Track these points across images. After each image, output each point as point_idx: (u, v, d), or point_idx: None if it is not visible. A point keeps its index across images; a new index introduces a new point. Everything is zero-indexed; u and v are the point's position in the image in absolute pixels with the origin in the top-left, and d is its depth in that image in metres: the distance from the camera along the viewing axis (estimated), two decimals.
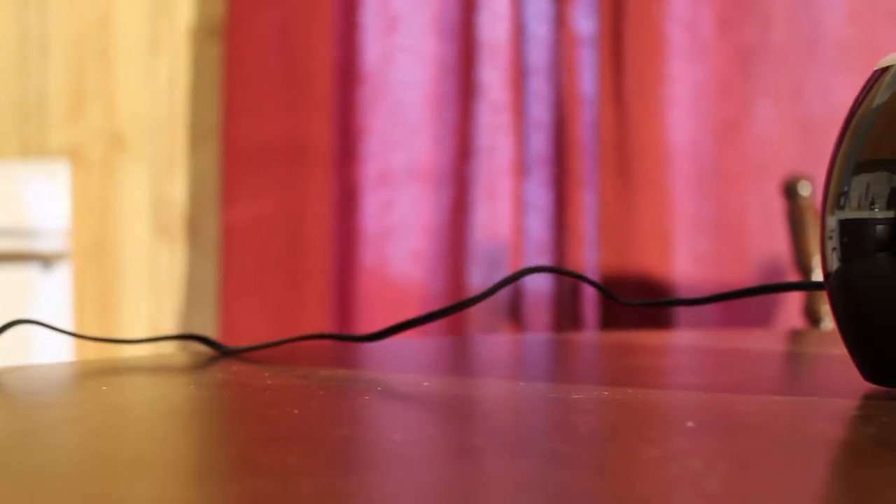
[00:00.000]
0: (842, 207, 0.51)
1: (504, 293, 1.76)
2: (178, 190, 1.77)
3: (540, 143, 1.77)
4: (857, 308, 0.51)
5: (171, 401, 0.51)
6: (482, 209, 1.75)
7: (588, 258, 1.74)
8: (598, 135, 1.74)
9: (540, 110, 1.76)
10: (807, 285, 0.59)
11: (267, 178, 1.75)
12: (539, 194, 1.77)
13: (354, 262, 1.75)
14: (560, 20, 1.76)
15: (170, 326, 1.78)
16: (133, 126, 1.76)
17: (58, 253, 1.67)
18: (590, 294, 1.73)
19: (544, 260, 1.77)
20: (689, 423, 0.44)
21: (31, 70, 1.76)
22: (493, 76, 1.75)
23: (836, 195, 0.52)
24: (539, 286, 1.75)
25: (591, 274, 1.74)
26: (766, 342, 0.78)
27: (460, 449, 0.39)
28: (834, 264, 0.52)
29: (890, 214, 0.50)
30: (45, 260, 1.67)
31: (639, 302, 0.62)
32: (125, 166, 1.76)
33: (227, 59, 1.74)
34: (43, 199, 1.67)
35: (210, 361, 0.65)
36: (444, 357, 0.74)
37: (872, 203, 0.50)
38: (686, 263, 1.72)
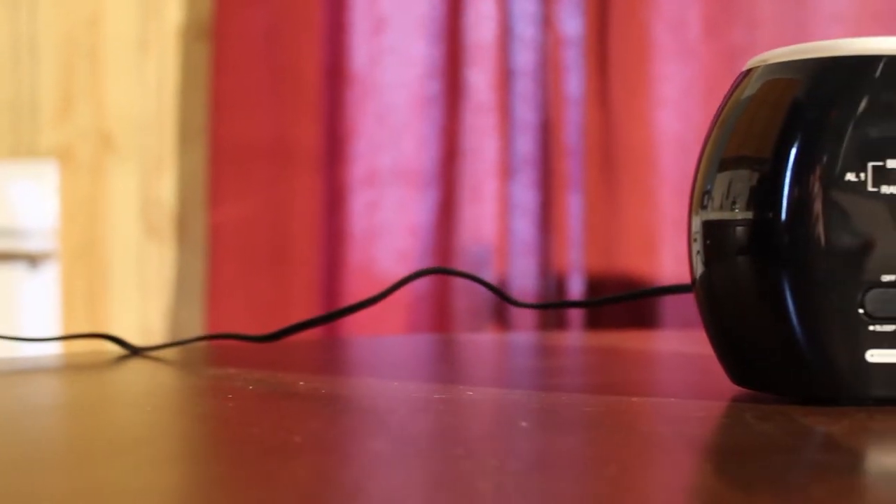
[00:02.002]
0: (704, 207, 0.52)
1: (488, 293, 1.76)
2: (166, 190, 1.79)
3: (526, 144, 1.77)
4: (721, 312, 0.52)
5: (43, 399, 0.52)
6: (468, 210, 1.75)
7: (574, 259, 1.75)
8: (584, 136, 1.75)
9: (526, 111, 1.77)
10: (676, 289, 0.59)
11: (254, 178, 1.76)
12: (525, 195, 1.77)
13: (341, 261, 1.76)
14: (546, 21, 1.76)
15: (158, 325, 1.79)
16: (122, 126, 1.78)
17: (45, 252, 1.69)
18: (575, 293, 1.73)
19: (531, 261, 1.77)
20: (523, 424, 0.45)
21: (20, 70, 1.78)
22: (479, 77, 1.76)
23: (699, 195, 0.52)
24: (525, 285, 1.75)
25: (578, 274, 1.75)
26: (663, 343, 0.78)
27: (275, 445, 0.39)
28: (698, 268, 0.52)
29: (749, 215, 0.50)
30: (31, 259, 1.69)
31: (532, 304, 0.63)
32: (114, 166, 1.78)
33: (214, 60, 1.75)
34: (31, 199, 1.69)
35: (117, 360, 0.66)
36: (341, 358, 0.75)
37: (734, 203, 0.50)
38: (672, 264, 1.72)
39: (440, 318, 1.77)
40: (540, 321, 1.77)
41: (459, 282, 1.75)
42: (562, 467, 0.36)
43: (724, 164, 0.51)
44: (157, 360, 0.66)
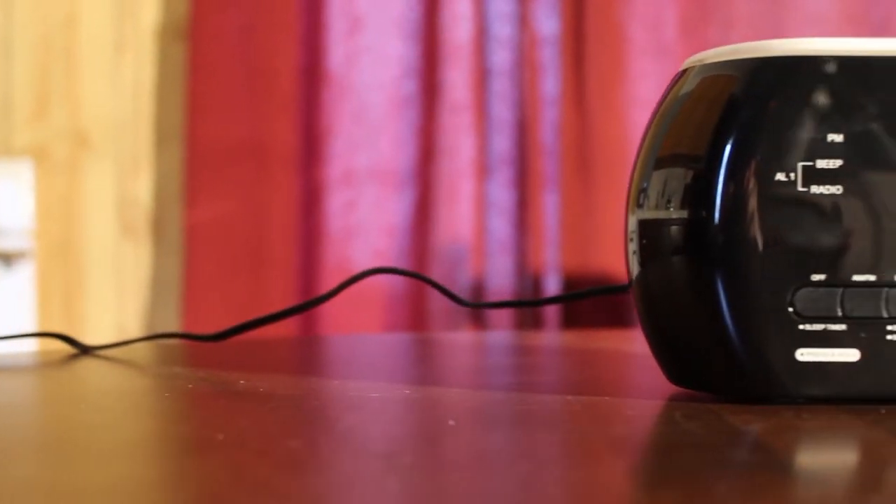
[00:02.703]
0: (641, 206, 0.52)
1: (466, 293, 1.76)
2: (142, 189, 1.79)
3: (502, 143, 1.77)
4: (656, 312, 0.52)
5: None
6: (445, 209, 1.75)
7: (550, 257, 1.75)
8: (560, 135, 1.75)
9: (502, 111, 1.77)
10: (614, 289, 0.59)
11: (231, 177, 1.76)
12: (501, 194, 1.77)
13: (318, 261, 1.76)
14: (522, 21, 1.76)
15: (134, 325, 1.79)
16: (97, 126, 1.77)
17: (20, 251, 1.69)
18: (552, 292, 1.73)
19: (507, 259, 1.77)
20: (451, 422, 0.45)
21: None
22: (455, 77, 1.76)
23: (636, 194, 0.52)
24: (501, 284, 1.75)
25: (554, 273, 1.75)
26: (620, 342, 0.79)
27: (196, 442, 0.40)
28: (634, 268, 0.52)
29: (683, 214, 0.50)
30: (7, 258, 1.68)
31: (477, 303, 0.63)
32: (90, 166, 1.78)
33: (190, 61, 1.75)
34: (6, 198, 1.69)
35: (66, 359, 0.66)
36: (291, 357, 0.75)
37: (669, 202, 0.50)
38: None
39: (416, 318, 1.77)
40: (517, 320, 1.77)
41: (436, 279, 1.75)
42: (474, 465, 0.36)
43: (660, 163, 0.51)
44: (106, 359, 0.66)
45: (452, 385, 0.55)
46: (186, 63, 1.76)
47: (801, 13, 1.76)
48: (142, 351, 0.70)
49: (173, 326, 1.78)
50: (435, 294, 1.75)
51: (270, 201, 1.76)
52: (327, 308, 1.75)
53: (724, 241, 0.49)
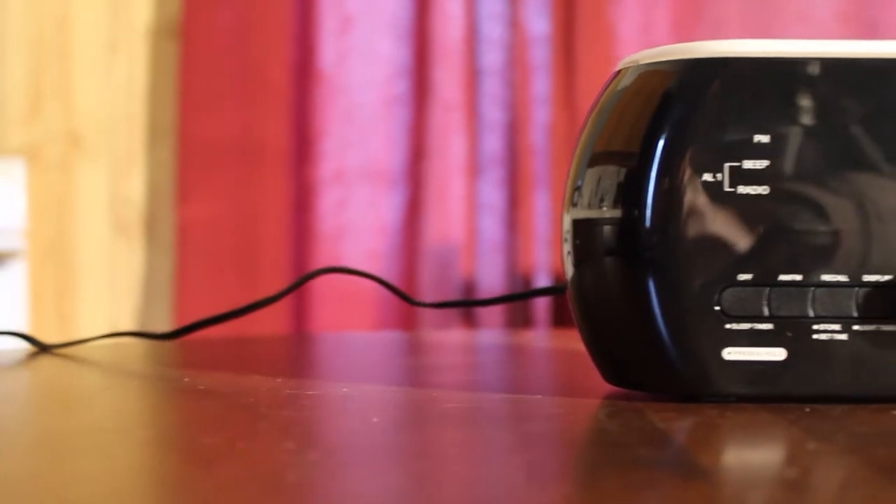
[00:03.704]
0: (575, 205, 0.52)
1: (456, 291, 1.77)
2: (135, 188, 1.80)
3: (493, 143, 1.78)
4: (591, 313, 0.52)
5: None
6: (435, 209, 1.76)
7: (540, 257, 1.76)
8: (551, 135, 1.75)
9: (493, 111, 1.78)
10: (552, 290, 0.60)
11: (223, 176, 1.77)
12: (492, 194, 1.78)
13: (309, 260, 1.77)
14: (513, 21, 1.77)
15: (127, 324, 1.80)
16: (91, 125, 1.78)
17: (13, 251, 1.70)
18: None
19: (498, 259, 1.78)
20: (375, 420, 0.45)
21: None
22: (446, 77, 1.76)
23: (570, 192, 0.53)
24: (491, 284, 1.76)
25: (544, 273, 1.76)
26: (569, 341, 0.79)
27: (120, 436, 0.40)
28: (569, 269, 0.53)
29: (617, 213, 0.50)
30: (0, 258, 1.69)
31: (429, 303, 0.64)
32: (83, 165, 1.79)
33: (183, 59, 1.76)
34: (0, 198, 1.70)
35: (24, 358, 0.67)
36: (248, 355, 0.76)
37: (602, 200, 0.51)
38: None
39: (406, 316, 1.78)
40: (507, 318, 1.77)
41: (426, 280, 1.76)
42: (373, 462, 0.37)
43: (593, 162, 0.52)
44: (63, 357, 0.67)
45: (391, 384, 0.56)
46: (179, 62, 1.77)
47: (791, 13, 1.76)
48: (101, 350, 0.71)
49: (166, 325, 1.79)
50: (424, 292, 1.76)
51: (262, 200, 1.76)
52: (317, 308, 1.76)
53: (653, 240, 0.49)
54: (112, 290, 1.79)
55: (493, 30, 1.78)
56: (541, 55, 1.77)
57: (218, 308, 1.80)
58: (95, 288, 1.79)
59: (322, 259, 1.76)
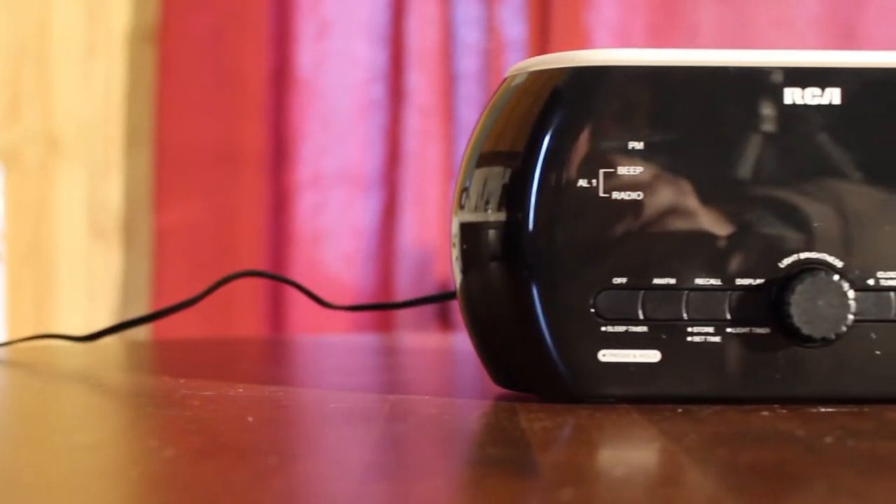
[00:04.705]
0: (462, 207, 0.53)
1: (433, 291, 1.77)
2: (113, 193, 1.81)
3: None
4: (478, 318, 0.53)
5: None
6: (412, 212, 1.77)
7: None
8: None
9: (470, 115, 1.79)
10: (444, 297, 0.61)
11: (200, 181, 1.78)
12: None
13: (286, 264, 1.78)
14: (489, 26, 1.78)
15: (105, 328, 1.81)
16: (69, 129, 1.80)
17: None
18: None
19: None
20: (250, 419, 0.46)
21: None
22: (423, 81, 1.77)
23: (458, 194, 0.54)
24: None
25: None
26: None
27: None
28: (457, 274, 0.54)
29: (502, 217, 0.51)
30: None
31: (344, 306, 0.65)
32: (61, 169, 1.80)
33: (160, 64, 1.77)
34: None
35: None
36: (170, 357, 0.77)
37: (487, 203, 0.52)
38: None
39: (384, 318, 1.79)
40: None
41: (404, 281, 1.77)
42: (225, 459, 0.37)
43: (481, 162, 0.52)
44: None
45: (290, 384, 0.57)
46: (156, 67, 1.78)
47: (766, 18, 1.77)
48: (27, 351, 0.72)
49: (144, 328, 1.80)
50: (402, 294, 1.77)
51: (239, 204, 1.77)
52: (295, 312, 1.77)
53: (534, 245, 0.50)
54: (90, 294, 1.81)
55: (469, 34, 1.79)
56: (517, 60, 1.77)
57: (196, 311, 1.81)
58: (73, 292, 1.80)
59: (300, 262, 1.77)
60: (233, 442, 0.41)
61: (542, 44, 1.76)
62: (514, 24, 1.77)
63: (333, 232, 1.78)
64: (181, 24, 1.78)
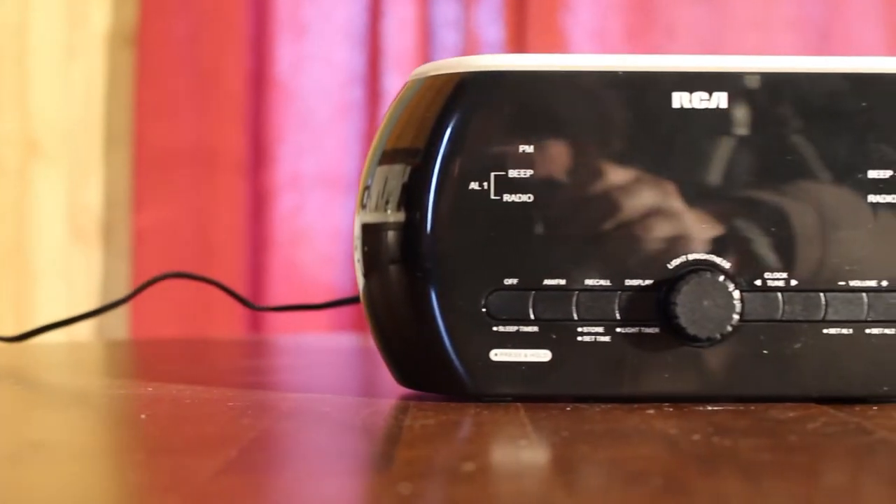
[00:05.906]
0: (364, 207, 0.54)
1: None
2: (92, 195, 1.82)
3: None
4: (379, 319, 0.54)
5: None
6: None
7: None
8: None
9: None
10: (350, 300, 0.61)
11: (179, 183, 1.79)
12: None
13: (265, 266, 1.79)
14: (466, 28, 1.78)
15: (84, 330, 1.82)
16: (48, 132, 1.81)
17: None
18: None
19: None
20: (143, 416, 0.47)
21: None
22: (400, 83, 1.78)
23: (361, 193, 0.54)
24: None
25: None
26: None
27: None
28: (360, 276, 0.55)
29: (401, 217, 0.52)
30: None
31: (270, 307, 0.66)
32: (40, 172, 1.81)
33: (138, 66, 1.78)
34: None
35: None
36: (103, 358, 0.78)
37: (387, 203, 0.52)
38: None
39: (362, 317, 1.79)
40: None
41: None
42: (97, 454, 0.38)
43: (382, 162, 0.53)
44: None
45: (198, 383, 0.57)
46: (135, 69, 1.79)
47: (742, 20, 1.77)
48: None
49: (123, 331, 1.81)
50: None
51: (218, 206, 1.78)
52: (273, 313, 1.78)
53: (431, 246, 0.51)
54: (69, 296, 1.82)
55: (446, 37, 1.80)
56: None
57: (174, 313, 1.82)
58: (53, 294, 1.81)
59: (278, 264, 1.78)
60: (106, 438, 0.42)
61: (518, 46, 1.76)
62: (491, 26, 1.78)
63: (312, 233, 1.79)
64: (160, 27, 1.79)
